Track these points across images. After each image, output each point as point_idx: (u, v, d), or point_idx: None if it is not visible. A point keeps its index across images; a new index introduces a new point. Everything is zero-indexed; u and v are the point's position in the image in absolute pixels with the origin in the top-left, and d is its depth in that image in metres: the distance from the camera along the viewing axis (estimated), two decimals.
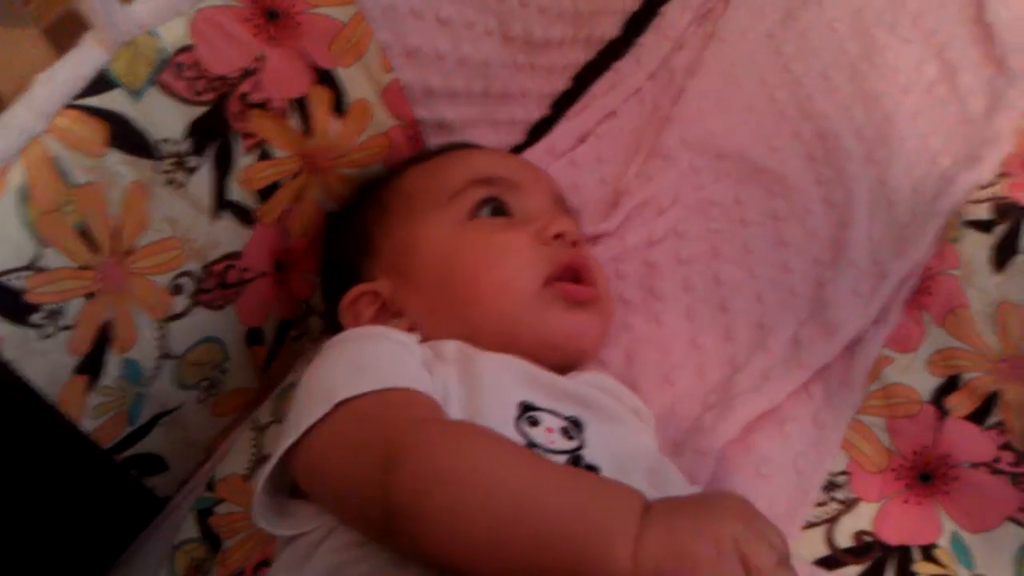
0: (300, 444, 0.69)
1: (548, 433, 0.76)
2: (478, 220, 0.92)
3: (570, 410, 0.80)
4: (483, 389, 0.77)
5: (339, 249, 0.98)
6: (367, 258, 0.94)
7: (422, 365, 0.78)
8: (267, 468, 0.71)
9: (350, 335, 0.83)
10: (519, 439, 0.74)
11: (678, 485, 0.84)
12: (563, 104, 1.31)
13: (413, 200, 0.94)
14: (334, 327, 0.92)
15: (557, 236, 0.90)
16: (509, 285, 0.87)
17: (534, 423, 0.76)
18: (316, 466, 0.70)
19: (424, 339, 0.84)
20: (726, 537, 0.55)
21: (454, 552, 0.59)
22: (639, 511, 0.58)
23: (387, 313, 0.90)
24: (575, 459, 0.75)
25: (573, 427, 0.78)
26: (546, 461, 0.67)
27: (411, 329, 0.86)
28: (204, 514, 0.98)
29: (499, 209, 0.93)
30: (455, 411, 0.75)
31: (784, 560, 0.57)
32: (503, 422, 0.75)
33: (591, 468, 0.75)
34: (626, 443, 0.83)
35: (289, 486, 0.74)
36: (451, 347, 0.82)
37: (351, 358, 0.78)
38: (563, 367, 0.89)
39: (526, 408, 0.77)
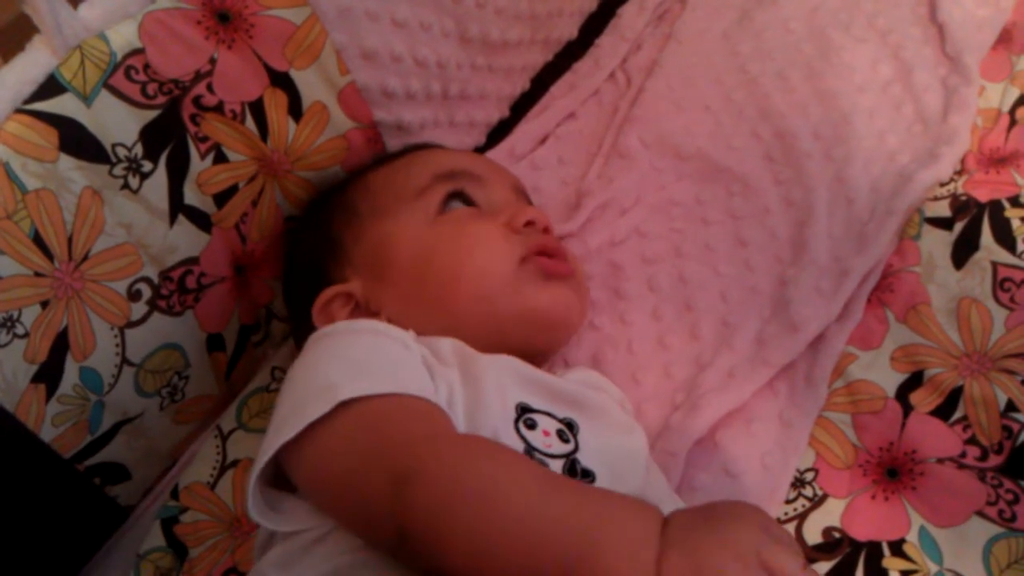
0: (298, 440, 0.68)
1: (545, 436, 0.76)
2: (448, 213, 0.92)
3: (564, 412, 0.81)
4: (484, 392, 0.76)
5: (304, 254, 0.97)
6: (335, 261, 0.93)
7: (423, 365, 0.77)
8: (261, 461, 0.69)
9: (342, 327, 0.82)
10: (518, 443, 0.74)
11: (661, 486, 0.85)
12: (522, 106, 1.31)
13: (380, 200, 0.94)
14: (300, 332, 0.92)
15: (528, 224, 0.91)
16: (487, 270, 0.88)
17: (531, 426, 0.76)
18: (315, 466, 0.69)
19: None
20: (748, 548, 0.55)
21: (471, 571, 0.59)
22: (658, 529, 0.57)
23: (361, 313, 0.89)
24: (571, 463, 0.75)
25: (568, 429, 0.78)
26: (563, 479, 0.67)
27: None
28: (169, 522, 0.97)
29: (466, 202, 0.94)
30: (459, 414, 0.74)
31: (805, 565, 0.56)
32: (504, 425, 0.75)
33: (586, 472, 0.75)
34: (618, 444, 0.83)
35: (271, 478, 0.73)
36: (447, 347, 0.81)
37: (349, 353, 0.77)
38: (548, 350, 0.91)
39: (523, 410, 0.78)
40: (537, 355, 0.89)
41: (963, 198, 1.05)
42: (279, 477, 0.73)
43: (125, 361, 0.88)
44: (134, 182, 0.85)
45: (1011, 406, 0.89)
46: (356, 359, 0.75)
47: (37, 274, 0.78)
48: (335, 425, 0.68)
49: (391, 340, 0.79)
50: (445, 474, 0.62)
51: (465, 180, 0.95)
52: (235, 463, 1.00)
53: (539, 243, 0.90)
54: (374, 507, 0.63)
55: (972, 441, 0.90)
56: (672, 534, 0.56)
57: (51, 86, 0.77)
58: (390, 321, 0.86)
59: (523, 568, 0.57)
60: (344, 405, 0.68)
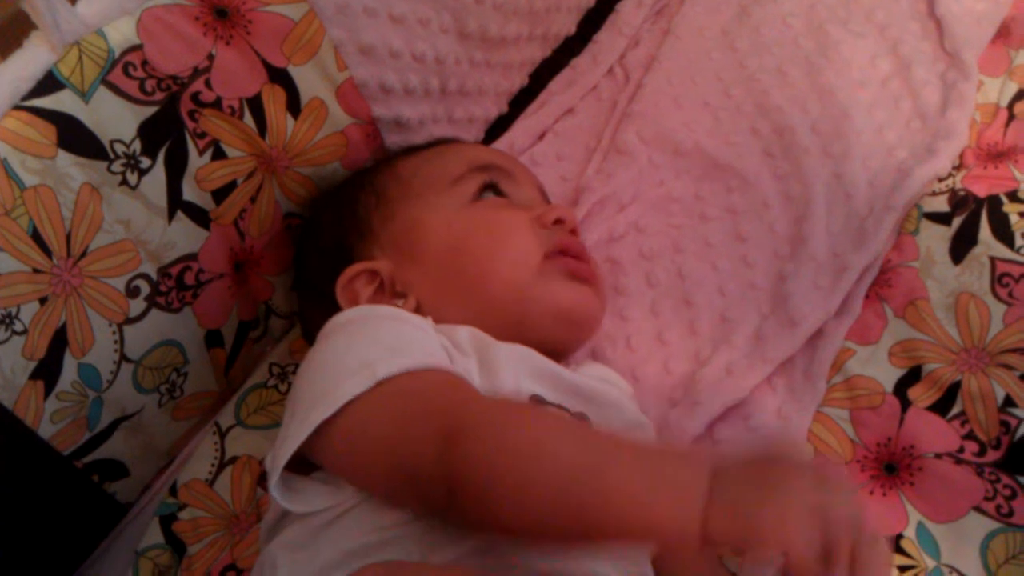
0: (333, 419, 0.68)
1: None
2: (482, 201, 0.94)
3: (577, 406, 0.81)
4: (501, 384, 0.77)
5: (328, 232, 0.97)
6: (362, 240, 0.93)
7: (443, 351, 0.78)
8: (297, 439, 0.69)
9: (361, 314, 0.82)
10: None
11: None
12: (520, 102, 1.30)
13: (411, 186, 0.95)
14: (311, 311, 0.95)
15: (557, 222, 0.93)
16: (518, 258, 0.89)
17: None
18: (354, 440, 0.69)
19: (434, 321, 0.84)
20: (796, 499, 0.54)
21: (523, 522, 0.60)
22: (706, 480, 0.56)
23: (386, 292, 0.90)
24: None
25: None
26: (607, 433, 0.68)
27: (417, 309, 0.87)
28: (167, 520, 0.97)
29: (498, 194, 0.96)
30: None
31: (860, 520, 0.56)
32: None
33: None
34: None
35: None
36: (464, 335, 0.81)
37: (379, 335, 0.77)
38: (566, 347, 0.92)
39: (537, 402, 0.78)
40: (552, 352, 0.89)
41: (961, 193, 1.05)
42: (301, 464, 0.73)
43: (124, 358, 0.88)
44: (132, 178, 0.85)
45: (1009, 401, 0.89)
46: (386, 341, 0.76)
47: (35, 270, 0.78)
48: (374, 401, 0.69)
49: (412, 326, 0.80)
50: (493, 429, 0.64)
51: (498, 173, 0.97)
52: (233, 460, 1.00)
53: (564, 242, 0.92)
54: (422, 470, 0.64)
55: (970, 436, 0.90)
56: (722, 484, 0.56)
57: (49, 83, 0.77)
58: (418, 302, 0.88)
59: (571, 517, 0.59)
60: (381, 383, 0.69)
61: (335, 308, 0.87)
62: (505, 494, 0.60)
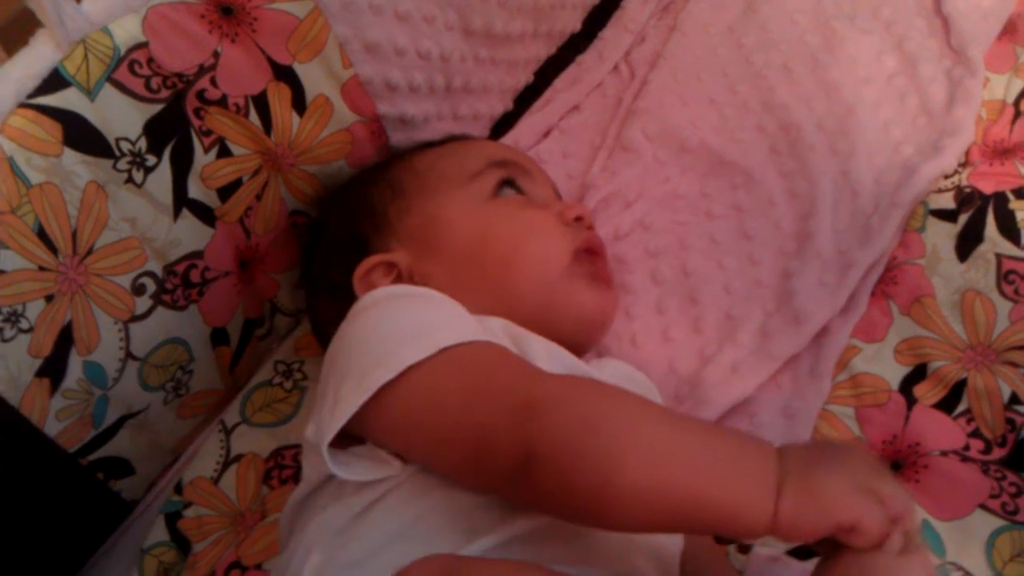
0: (393, 385, 0.68)
1: None
2: (502, 197, 0.95)
3: None
4: None
5: (342, 224, 0.97)
6: (378, 232, 0.93)
7: None
8: (350, 402, 0.68)
9: (404, 291, 0.83)
10: None
11: None
12: (526, 99, 1.31)
13: (428, 180, 0.95)
14: (322, 306, 0.96)
15: (577, 219, 0.94)
16: (546, 255, 0.90)
17: None
18: (415, 409, 0.69)
19: None
20: (859, 478, 0.58)
21: (596, 496, 0.60)
22: (775, 459, 0.59)
23: (404, 283, 0.90)
24: None
25: None
26: (679, 413, 0.69)
27: None
28: (173, 517, 0.97)
29: (516, 191, 0.96)
30: None
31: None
32: None
33: None
34: None
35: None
36: (497, 325, 0.81)
37: (427, 309, 0.78)
38: (579, 347, 0.92)
39: None
40: (573, 349, 0.89)
41: (967, 190, 1.05)
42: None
43: (129, 355, 0.88)
44: (138, 176, 0.85)
45: (1015, 399, 0.89)
46: (438, 313, 0.77)
47: (41, 268, 0.78)
48: (437, 368, 0.69)
49: (454, 305, 0.80)
50: (573, 404, 0.64)
51: (516, 170, 0.97)
52: (239, 457, 1.00)
53: (588, 239, 0.94)
54: (494, 442, 0.64)
55: (976, 434, 0.90)
56: (788, 465, 0.59)
57: (55, 80, 0.77)
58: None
59: (647, 491, 0.59)
60: (445, 350, 0.69)
61: (348, 301, 0.86)
62: (585, 467, 0.60)
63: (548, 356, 0.80)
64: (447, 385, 0.68)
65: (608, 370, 0.91)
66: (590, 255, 0.93)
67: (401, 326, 0.75)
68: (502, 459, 0.63)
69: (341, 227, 0.97)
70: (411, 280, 0.89)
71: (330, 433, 0.68)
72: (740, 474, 0.59)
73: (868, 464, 0.60)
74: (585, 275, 0.92)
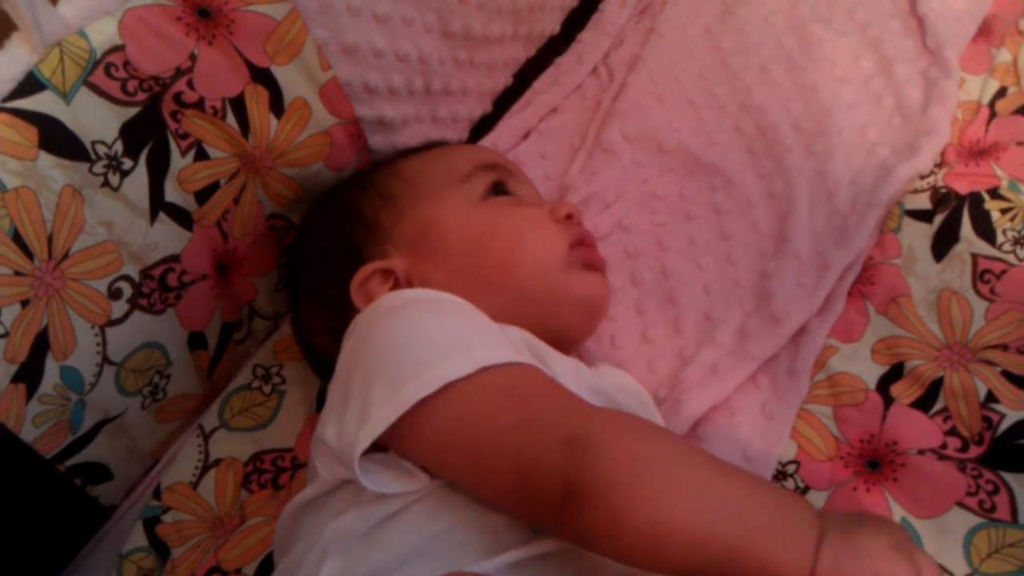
0: (430, 400, 0.67)
1: None
2: (494, 199, 0.95)
3: None
4: None
5: (331, 234, 0.96)
6: (371, 239, 0.93)
7: None
8: (386, 413, 0.67)
9: (424, 295, 0.82)
10: None
11: None
12: (505, 101, 1.30)
13: (419, 185, 0.95)
14: (309, 316, 0.96)
15: (567, 217, 0.95)
16: (545, 248, 0.92)
17: None
18: (456, 427, 0.68)
19: None
20: (899, 543, 0.60)
21: (642, 536, 0.60)
22: (817, 517, 0.61)
23: (403, 288, 0.89)
24: None
25: None
26: (728, 464, 0.68)
27: None
28: (151, 522, 0.97)
29: (506, 192, 0.97)
30: None
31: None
32: None
33: None
34: None
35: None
36: (517, 336, 0.81)
37: (456, 320, 0.78)
38: (581, 334, 0.97)
39: None
40: (572, 341, 0.93)
41: (943, 190, 1.05)
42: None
43: (106, 360, 0.88)
44: (114, 180, 0.84)
45: (991, 397, 0.90)
46: (468, 326, 0.77)
47: (17, 273, 0.77)
48: (478, 388, 0.68)
49: (477, 311, 0.80)
50: (626, 440, 0.64)
51: (503, 172, 0.98)
52: (217, 462, 1.00)
53: (582, 233, 0.95)
54: (543, 471, 0.64)
55: (952, 432, 0.91)
56: (829, 522, 0.61)
57: (30, 84, 0.77)
58: None
59: (691, 534, 0.60)
60: (485, 370, 0.68)
61: (342, 310, 0.87)
62: (635, 507, 0.60)
63: (568, 373, 0.80)
64: (489, 409, 0.68)
65: (609, 379, 0.90)
66: (583, 246, 0.94)
67: (432, 336, 0.74)
68: (550, 490, 0.63)
69: (330, 236, 0.96)
70: (409, 285, 0.89)
71: (362, 445, 0.67)
72: (783, 525, 0.60)
73: (903, 534, 0.62)
74: (581, 262, 0.93)
